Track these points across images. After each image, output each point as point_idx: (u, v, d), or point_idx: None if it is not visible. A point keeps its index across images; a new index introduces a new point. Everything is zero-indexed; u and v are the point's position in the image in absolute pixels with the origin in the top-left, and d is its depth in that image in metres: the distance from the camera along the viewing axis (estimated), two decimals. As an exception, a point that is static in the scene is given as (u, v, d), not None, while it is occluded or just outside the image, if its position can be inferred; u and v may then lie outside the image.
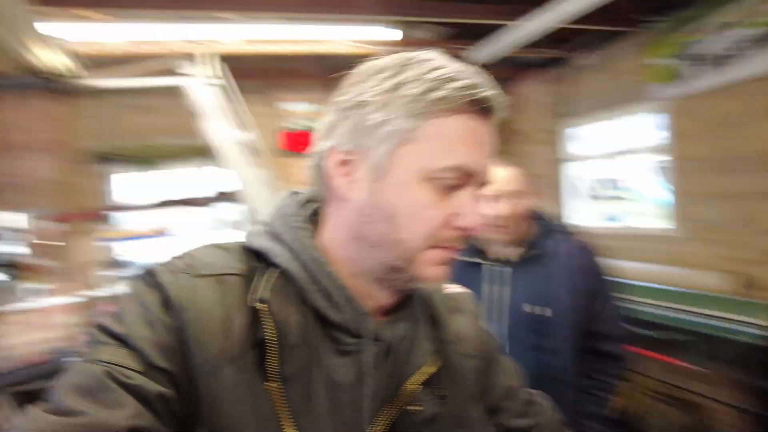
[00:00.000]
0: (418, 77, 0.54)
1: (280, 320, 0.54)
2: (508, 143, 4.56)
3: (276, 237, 0.60)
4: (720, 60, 3.00)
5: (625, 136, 3.83)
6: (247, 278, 0.57)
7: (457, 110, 0.54)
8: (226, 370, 0.52)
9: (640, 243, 3.70)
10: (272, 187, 2.81)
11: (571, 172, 4.34)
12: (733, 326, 2.69)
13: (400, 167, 0.55)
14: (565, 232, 1.67)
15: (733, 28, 2.90)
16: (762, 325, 2.53)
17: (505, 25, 3.20)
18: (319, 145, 0.60)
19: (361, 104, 0.56)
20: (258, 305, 0.54)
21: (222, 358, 0.52)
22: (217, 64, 2.79)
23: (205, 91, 2.82)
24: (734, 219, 3.03)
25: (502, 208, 1.52)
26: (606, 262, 1.68)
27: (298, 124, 4.14)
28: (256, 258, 0.59)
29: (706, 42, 3.06)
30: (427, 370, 0.62)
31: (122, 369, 0.48)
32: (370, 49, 3.31)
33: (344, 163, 0.57)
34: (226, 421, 0.51)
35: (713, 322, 2.81)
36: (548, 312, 1.54)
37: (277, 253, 0.58)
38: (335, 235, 0.60)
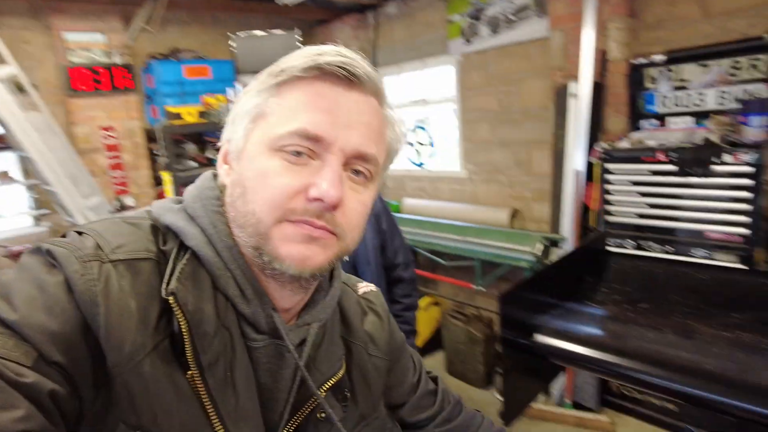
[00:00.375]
0: (277, 62, 0.56)
1: (192, 310, 0.52)
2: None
3: (191, 218, 0.57)
4: (500, 22, 3.37)
5: (430, 85, 4.13)
6: (160, 263, 0.54)
7: (302, 78, 0.54)
8: (145, 364, 0.49)
9: (438, 184, 4.14)
10: (48, 132, 2.46)
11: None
12: (513, 254, 3.22)
13: (251, 142, 0.55)
14: None
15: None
16: (533, 253, 3.08)
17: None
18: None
19: (238, 99, 0.59)
20: (170, 299, 0.51)
21: (139, 353, 0.49)
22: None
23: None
24: (511, 163, 3.56)
25: None
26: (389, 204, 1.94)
27: (89, 59, 3.62)
28: (165, 234, 0.57)
29: (490, 5, 3.40)
30: (337, 375, 0.65)
31: (12, 364, 0.42)
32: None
33: (226, 154, 0.60)
34: (148, 415, 0.48)
35: (496, 251, 3.33)
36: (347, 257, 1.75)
37: (192, 235, 0.56)
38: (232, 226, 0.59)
